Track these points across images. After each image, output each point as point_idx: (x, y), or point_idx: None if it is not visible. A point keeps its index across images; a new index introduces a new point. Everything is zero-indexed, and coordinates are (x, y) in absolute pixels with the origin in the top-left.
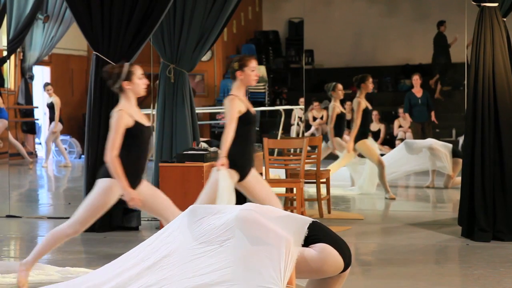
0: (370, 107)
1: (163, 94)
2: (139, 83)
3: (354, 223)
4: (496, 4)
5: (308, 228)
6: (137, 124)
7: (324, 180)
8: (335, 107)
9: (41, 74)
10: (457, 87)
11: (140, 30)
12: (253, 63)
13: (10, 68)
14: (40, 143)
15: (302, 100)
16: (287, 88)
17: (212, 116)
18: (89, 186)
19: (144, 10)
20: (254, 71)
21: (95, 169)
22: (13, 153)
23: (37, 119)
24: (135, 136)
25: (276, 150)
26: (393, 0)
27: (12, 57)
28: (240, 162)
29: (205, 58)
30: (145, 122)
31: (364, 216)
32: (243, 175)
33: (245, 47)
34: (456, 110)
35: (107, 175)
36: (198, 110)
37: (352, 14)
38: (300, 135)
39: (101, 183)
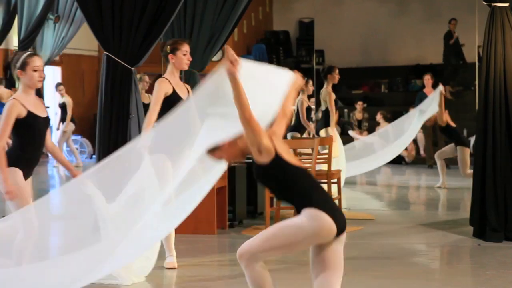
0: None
1: None
2: (32, 75)
3: (366, 224)
4: (507, 4)
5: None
6: (30, 114)
7: (335, 180)
8: (303, 101)
9: (52, 75)
10: (468, 87)
11: (151, 30)
12: (185, 47)
13: None
14: None
15: (313, 100)
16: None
17: None
18: None
19: (155, 10)
20: (186, 55)
21: None
22: None
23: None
24: (28, 126)
25: None
26: (404, 0)
27: None
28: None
29: (215, 58)
30: (41, 113)
31: (375, 216)
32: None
33: (255, 47)
34: (467, 110)
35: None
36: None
37: (363, 14)
38: (311, 135)
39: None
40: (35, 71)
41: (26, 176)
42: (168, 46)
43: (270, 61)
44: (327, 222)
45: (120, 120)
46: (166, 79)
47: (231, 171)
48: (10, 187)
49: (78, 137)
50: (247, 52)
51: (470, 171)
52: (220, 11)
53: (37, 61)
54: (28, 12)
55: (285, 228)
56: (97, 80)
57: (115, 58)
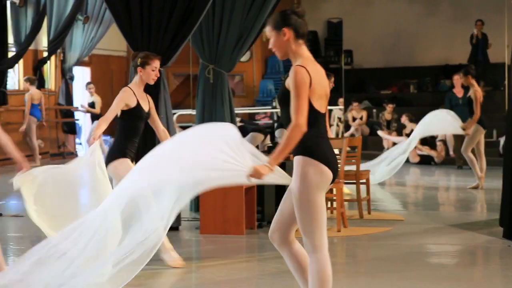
0: None
1: (202, 94)
2: (150, 73)
3: (395, 224)
4: None
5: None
6: (138, 106)
7: (364, 180)
8: None
9: (81, 75)
10: (497, 87)
11: (179, 30)
12: (155, 63)
13: (50, 69)
14: (80, 143)
15: (341, 100)
16: None
17: (251, 116)
18: None
19: (183, 10)
20: (155, 71)
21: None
22: (54, 153)
23: (77, 120)
24: (134, 116)
25: None
26: (433, 0)
27: (53, 58)
28: (124, 155)
29: (244, 58)
30: (145, 107)
31: (404, 217)
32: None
33: None
34: (496, 110)
35: None
36: (237, 110)
37: (392, 14)
38: (340, 136)
39: None
40: (153, 70)
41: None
42: (139, 59)
43: None
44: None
45: (149, 120)
46: (131, 89)
47: None
48: None
49: (108, 137)
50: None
51: (470, 154)
52: (248, 12)
53: (156, 63)
54: (57, 13)
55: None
56: (125, 81)
57: None
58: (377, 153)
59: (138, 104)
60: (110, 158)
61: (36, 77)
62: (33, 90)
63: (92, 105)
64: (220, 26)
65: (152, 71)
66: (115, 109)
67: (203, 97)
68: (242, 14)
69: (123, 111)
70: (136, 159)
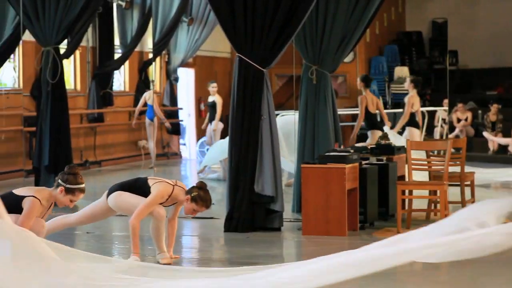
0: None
1: (305, 95)
2: None
3: None
4: None
5: None
6: None
7: (468, 182)
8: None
9: (186, 76)
10: None
11: (282, 31)
12: (202, 210)
13: (155, 70)
14: (184, 144)
15: (446, 101)
16: (431, 89)
17: (355, 117)
18: (232, 187)
19: (286, 11)
20: (196, 213)
21: (238, 170)
22: (158, 154)
23: (182, 120)
24: None
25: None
26: None
27: (158, 59)
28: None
29: (347, 59)
30: None
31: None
32: None
33: (387, 48)
34: None
35: None
36: (340, 111)
37: (498, 14)
38: (444, 137)
39: None
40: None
41: None
42: (197, 193)
43: (402, 62)
44: None
45: (252, 121)
46: (172, 191)
47: (362, 172)
48: None
49: (203, 138)
50: (379, 53)
51: None
52: (352, 12)
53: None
54: (162, 15)
55: None
56: (229, 82)
57: (248, 60)
58: (482, 155)
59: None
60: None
61: (141, 78)
62: (149, 93)
63: (212, 104)
64: (323, 27)
65: (194, 211)
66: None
67: (306, 98)
68: (346, 14)
69: None
70: None
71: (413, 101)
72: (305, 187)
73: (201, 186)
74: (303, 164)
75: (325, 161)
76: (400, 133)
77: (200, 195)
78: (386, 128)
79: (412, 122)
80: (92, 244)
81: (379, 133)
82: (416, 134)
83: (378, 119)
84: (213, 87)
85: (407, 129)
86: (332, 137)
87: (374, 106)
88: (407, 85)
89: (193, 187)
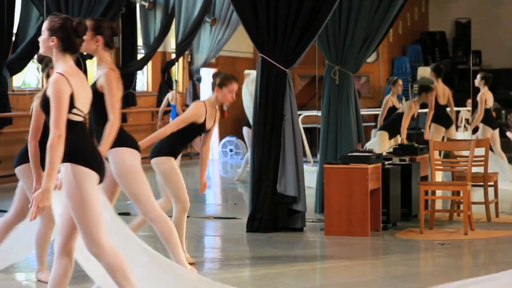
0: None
1: (328, 95)
2: (227, 95)
3: None
4: None
5: None
6: (203, 123)
7: (491, 183)
8: (388, 100)
9: (208, 76)
10: None
11: (305, 31)
12: (233, 86)
13: (178, 71)
14: None
15: (469, 101)
16: (454, 89)
17: (377, 117)
18: (254, 187)
19: (309, 12)
20: (231, 94)
21: (260, 169)
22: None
23: None
24: (193, 131)
25: (442, 153)
26: None
27: (180, 59)
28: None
29: (370, 59)
30: (208, 125)
31: None
32: None
33: (411, 48)
34: None
35: None
36: (363, 111)
37: None
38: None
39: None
40: (229, 92)
41: None
42: (218, 79)
43: (425, 62)
44: None
45: (275, 121)
46: (205, 106)
47: (385, 172)
48: None
49: (233, 138)
50: (402, 53)
51: None
52: (375, 12)
53: (234, 86)
54: (185, 15)
55: None
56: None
57: (270, 60)
58: (506, 155)
59: (204, 122)
60: (158, 153)
61: (164, 79)
62: (172, 93)
63: None
64: (346, 27)
65: (229, 92)
66: (180, 123)
67: (328, 98)
68: (369, 14)
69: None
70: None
71: (485, 98)
72: (328, 187)
73: (215, 74)
74: (325, 164)
75: (348, 161)
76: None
77: (221, 78)
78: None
79: (487, 119)
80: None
81: (441, 130)
82: (490, 132)
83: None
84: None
85: (481, 126)
86: (354, 137)
87: (445, 98)
88: (478, 82)
89: (212, 81)
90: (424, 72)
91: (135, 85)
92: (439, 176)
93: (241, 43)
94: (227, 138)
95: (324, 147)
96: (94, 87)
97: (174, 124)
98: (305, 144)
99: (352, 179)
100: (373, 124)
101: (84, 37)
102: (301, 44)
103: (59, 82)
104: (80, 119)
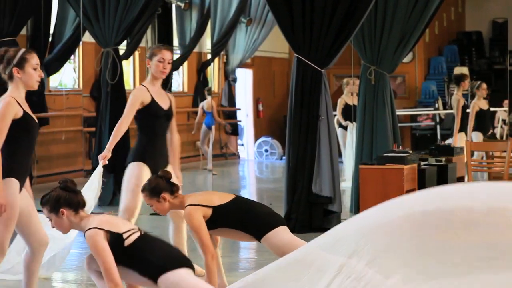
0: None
1: (364, 95)
2: (32, 73)
3: None
4: None
5: None
6: (27, 116)
7: None
8: (475, 105)
9: (244, 77)
10: None
11: (341, 31)
12: (162, 54)
13: (214, 71)
14: (242, 145)
15: (506, 102)
16: (491, 89)
17: (413, 118)
18: (290, 187)
19: (345, 12)
20: (163, 63)
21: (296, 170)
22: (216, 154)
23: (240, 121)
24: (24, 129)
25: (477, 153)
26: None
27: (216, 60)
28: (148, 155)
29: (406, 59)
30: (34, 117)
31: None
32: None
33: (447, 48)
34: None
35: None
36: (399, 112)
37: None
38: (504, 138)
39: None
40: (34, 69)
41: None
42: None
43: (462, 62)
44: None
45: (310, 121)
46: (145, 86)
47: (421, 173)
48: (2, 199)
49: (269, 139)
50: (438, 53)
51: None
52: (411, 12)
53: (35, 59)
54: (221, 16)
55: None
56: (287, 82)
57: (306, 60)
58: None
59: (154, 101)
60: (130, 159)
61: (199, 79)
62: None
63: None
64: (382, 27)
65: (159, 62)
66: (128, 110)
67: (364, 99)
68: (405, 14)
69: (138, 110)
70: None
71: None
72: (363, 187)
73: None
74: (361, 164)
75: (384, 161)
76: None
77: (151, 48)
78: None
79: None
80: None
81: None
82: None
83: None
84: None
85: None
86: (390, 137)
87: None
88: None
89: None
90: (461, 72)
91: (170, 86)
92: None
93: (276, 43)
94: (262, 139)
95: (359, 148)
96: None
97: (124, 116)
98: (341, 145)
99: (387, 180)
100: (409, 124)
101: None
102: (337, 44)
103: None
104: None
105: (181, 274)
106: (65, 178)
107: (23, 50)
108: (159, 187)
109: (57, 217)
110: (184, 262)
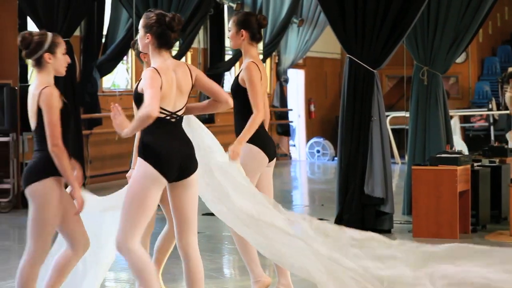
0: None
1: (416, 96)
2: (62, 58)
3: None
4: None
5: None
6: (66, 106)
7: None
8: None
9: (296, 77)
10: None
11: (393, 32)
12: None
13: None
14: (294, 145)
15: None
16: None
17: (467, 118)
18: (342, 188)
19: (397, 12)
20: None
21: (348, 171)
22: None
23: (292, 122)
24: (64, 120)
25: None
26: None
27: (268, 60)
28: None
29: (459, 59)
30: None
31: None
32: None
33: (500, 49)
34: None
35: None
36: (452, 112)
37: None
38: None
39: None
40: (63, 54)
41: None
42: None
43: None
44: None
45: (362, 122)
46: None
47: (474, 174)
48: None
49: (321, 139)
50: (492, 54)
51: None
52: (464, 12)
53: (63, 44)
54: (273, 16)
55: None
56: (339, 83)
57: (358, 61)
58: None
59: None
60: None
61: None
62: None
63: None
64: (435, 27)
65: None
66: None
67: (417, 99)
68: (458, 14)
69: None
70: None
71: None
72: (416, 189)
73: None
74: (414, 165)
75: (437, 162)
76: None
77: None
78: None
79: None
80: (203, 244)
81: None
82: None
83: None
84: None
85: None
86: (443, 138)
87: None
88: None
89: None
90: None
91: (222, 86)
92: None
93: (328, 44)
94: (314, 139)
95: (412, 148)
96: (235, 81)
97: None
98: (393, 145)
99: (440, 181)
100: (462, 125)
101: (229, 33)
102: (389, 45)
103: (152, 75)
104: (161, 116)
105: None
106: (174, 15)
107: (51, 33)
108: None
109: (143, 36)
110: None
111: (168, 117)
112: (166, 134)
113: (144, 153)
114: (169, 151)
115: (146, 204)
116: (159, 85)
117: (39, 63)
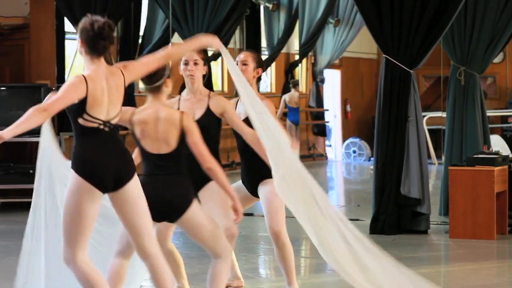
0: None
1: (453, 96)
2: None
3: None
4: None
5: None
6: None
7: None
8: None
9: (332, 78)
10: None
11: (430, 32)
12: (186, 55)
13: (302, 72)
14: (330, 145)
15: None
16: None
17: (504, 119)
18: (378, 189)
19: (434, 12)
20: (187, 66)
21: (384, 171)
22: (304, 155)
23: (328, 122)
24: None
25: None
26: None
27: (304, 60)
28: None
29: (497, 59)
30: None
31: None
32: None
33: None
34: None
35: None
36: (489, 113)
37: None
38: None
39: None
40: (185, 64)
41: None
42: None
43: None
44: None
45: (399, 122)
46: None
47: (511, 175)
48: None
49: (357, 139)
50: None
51: None
52: (502, 11)
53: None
54: (309, 16)
55: None
56: (375, 83)
57: (394, 61)
58: None
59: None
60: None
61: (287, 80)
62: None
63: None
64: (472, 27)
65: (185, 65)
66: None
67: (453, 99)
68: (496, 14)
69: None
70: None
71: None
72: (453, 189)
73: None
74: (450, 166)
75: (474, 163)
76: None
77: None
78: None
79: None
80: (238, 244)
81: None
82: None
83: None
84: None
85: None
86: (480, 139)
87: None
88: None
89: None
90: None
91: (258, 87)
92: None
93: (364, 44)
94: (350, 140)
95: (449, 149)
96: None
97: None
98: (430, 146)
99: (477, 182)
100: (500, 125)
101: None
102: (426, 45)
103: (75, 82)
104: (94, 125)
105: None
106: (106, 21)
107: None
108: None
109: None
110: None
111: (101, 126)
112: (98, 144)
113: (76, 165)
114: (101, 162)
115: (82, 217)
116: (75, 95)
117: (157, 90)
